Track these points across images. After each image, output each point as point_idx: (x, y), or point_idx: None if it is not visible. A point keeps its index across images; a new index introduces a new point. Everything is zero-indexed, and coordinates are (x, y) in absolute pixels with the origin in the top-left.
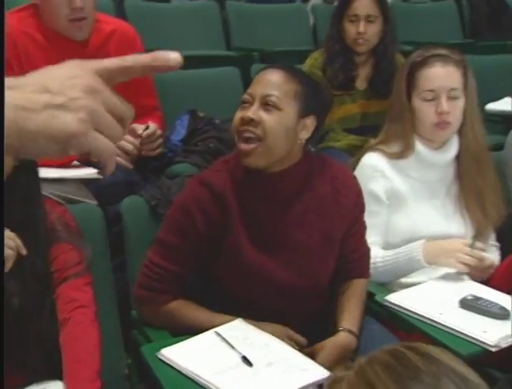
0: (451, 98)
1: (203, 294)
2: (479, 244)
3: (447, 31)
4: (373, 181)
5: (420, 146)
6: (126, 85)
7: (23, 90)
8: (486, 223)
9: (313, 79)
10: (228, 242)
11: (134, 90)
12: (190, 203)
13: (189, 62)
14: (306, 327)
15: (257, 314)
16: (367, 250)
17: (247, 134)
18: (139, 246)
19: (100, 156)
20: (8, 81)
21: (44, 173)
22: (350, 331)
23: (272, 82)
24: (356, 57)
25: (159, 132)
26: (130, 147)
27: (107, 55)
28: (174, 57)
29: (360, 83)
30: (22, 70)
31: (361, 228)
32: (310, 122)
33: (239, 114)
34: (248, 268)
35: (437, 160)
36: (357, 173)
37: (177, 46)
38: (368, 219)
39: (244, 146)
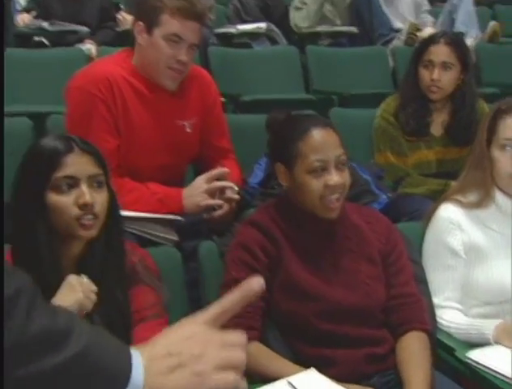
0: None
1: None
2: None
3: None
4: (449, 234)
5: (500, 196)
6: (202, 129)
7: (153, 361)
8: None
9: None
10: (283, 272)
11: (209, 131)
12: (247, 241)
13: (269, 106)
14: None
15: (321, 342)
16: (420, 299)
17: (336, 196)
18: (215, 286)
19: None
20: (148, 354)
21: (126, 213)
22: None
23: (332, 142)
24: (431, 104)
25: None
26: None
27: (189, 101)
28: (257, 285)
29: (436, 130)
30: (117, 109)
31: (405, 272)
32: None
33: (320, 182)
34: (304, 293)
35: None
36: (432, 225)
37: (257, 90)
38: (444, 273)
39: (334, 205)
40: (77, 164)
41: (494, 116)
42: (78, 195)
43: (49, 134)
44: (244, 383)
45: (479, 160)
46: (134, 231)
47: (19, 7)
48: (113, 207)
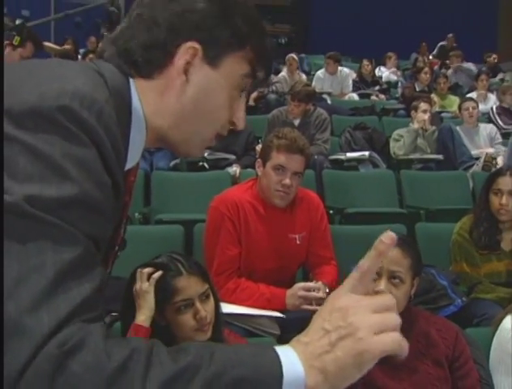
0: None
1: None
2: None
3: None
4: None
5: None
6: (309, 241)
7: (310, 344)
8: None
9: (415, 246)
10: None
11: (314, 243)
12: None
13: (369, 218)
14: None
15: None
16: None
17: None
18: None
19: (391, 350)
20: (300, 340)
21: (238, 309)
22: None
23: (395, 259)
24: (500, 224)
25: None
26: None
27: (299, 218)
28: (388, 239)
29: (506, 245)
30: (240, 226)
31: (471, 376)
32: (416, 281)
33: (372, 287)
34: None
35: None
36: (498, 334)
37: (360, 204)
38: (507, 378)
39: None
40: (188, 287)
41: None
42: (195, 312)
43: (163, 255)
44: (404, 342)
45: None
46: (244, 326)
47: None
48: (217, 307)
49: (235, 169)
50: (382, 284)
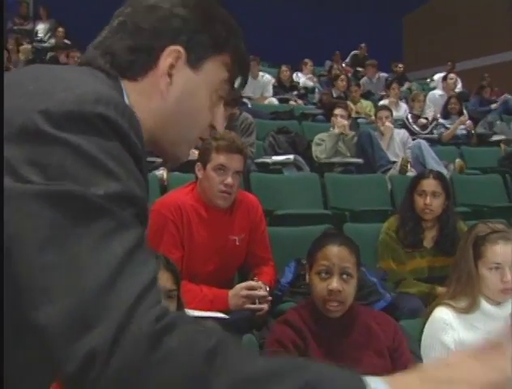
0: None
1: None
2: None
3: (494, 196)
4: (443, 332)
5: (485, 303)
6: (248, 242)
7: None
8: None
9: (355, 244)
10: None
11: (254, 245)
12: (281, 338)
13: (296, 219)
14: None
15: None
16: None
17: (334, 303)
18: None
19: None
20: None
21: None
22: None
23: (343, 257)
24: (424, 223)
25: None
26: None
27: (239, 220)
28: None
29: (428, 243)
30: (183, 229)
31: (408, 365)
32: (360, 274)
33: (324, 285)
34: None
35: (500, 314)
36: (429, 324)
37: (287, 206)
38: None
39: (333, 308)
40: (159, 278)
41: (476, 242)
42: None
43: None
44: None
45: (468, 277)
46: None
47: None
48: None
49: (162, 172)
50: (334, 281)
